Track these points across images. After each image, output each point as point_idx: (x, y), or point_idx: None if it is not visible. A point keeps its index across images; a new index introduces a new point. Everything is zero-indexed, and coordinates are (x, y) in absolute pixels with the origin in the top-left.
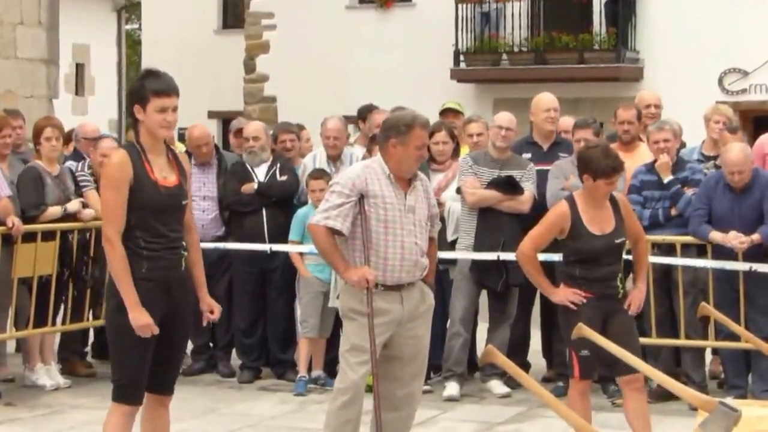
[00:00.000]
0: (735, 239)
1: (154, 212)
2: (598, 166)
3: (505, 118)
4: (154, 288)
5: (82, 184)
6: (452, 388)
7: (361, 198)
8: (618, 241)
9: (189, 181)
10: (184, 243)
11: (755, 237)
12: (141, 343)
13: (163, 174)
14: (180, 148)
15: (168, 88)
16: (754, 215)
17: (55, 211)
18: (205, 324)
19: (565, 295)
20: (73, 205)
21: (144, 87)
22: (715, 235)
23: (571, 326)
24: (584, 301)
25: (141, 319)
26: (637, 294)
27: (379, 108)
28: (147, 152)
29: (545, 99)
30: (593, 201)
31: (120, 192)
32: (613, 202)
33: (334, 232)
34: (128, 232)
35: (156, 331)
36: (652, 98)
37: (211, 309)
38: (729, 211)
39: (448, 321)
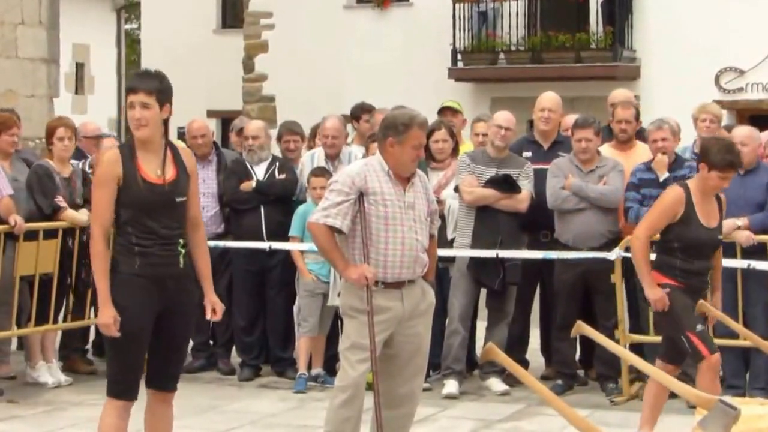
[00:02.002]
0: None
1: (143, 210)
2: (716, 157)
3: (504, 117)
4: (147, 284)
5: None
6: (451, 385)
7: (361, 196)
8: (720, 237)
9: (194, 179)
10: (181, 240)
11: (739, 222)
12: (134, 339)
13: (156, 171)
14: (180, 146)
15: (135, 85)
16: (759, 199)
17: (81, 217)
18: (209, 317)
19: (660, 298)
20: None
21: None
22: None
23: (667, 316)
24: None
25: (103, 317)
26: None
27: (372, 107)
28: (138, 149)
29: (542, 98)
30: (703, 191)
31: (106, 190)
32: (718, 200)
33: (333, 230)
34: (120, 228)
35: (115, 333)
36: (619, 97)
37: (213, 308)
38: (735, 194)
39: (447, 319)
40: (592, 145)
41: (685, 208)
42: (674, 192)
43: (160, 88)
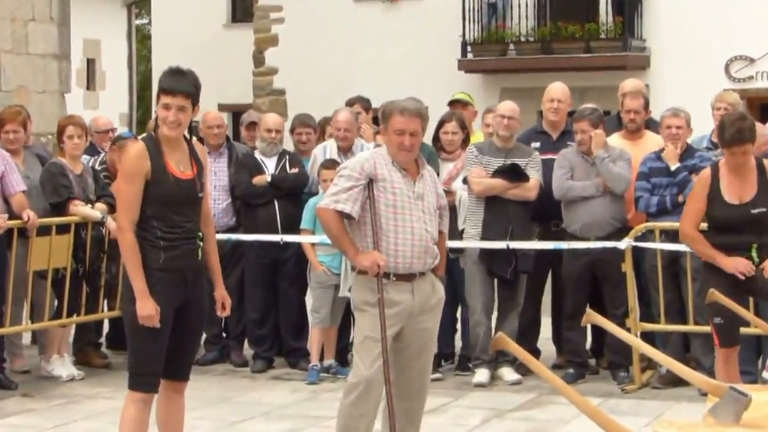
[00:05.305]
0: None
1: (170, 203)
2: (721, 135)
3: (506, 107)
4: (171, 278)
5: (106, 181)
6: (482, 374)
7: (370, 182)
8: (756, 211)
9: (206, 175)
10: (200, 234)
11: None
12: (155, 332)
13: (180, 167)
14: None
15: (172, 87)
16: None
17: (94, 214)
18: (219, 313)
19: (735, 265)
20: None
21: (159, 82)
22: None
23: (705, 295)
24: (752, 272)
25: (145, 309)
26: None
27: (368, 100)
28: (164, 145)
29: (550, 89)
30: (731, 169)
31: (134, 183)
32: (762, 169)
33: (343, 217)
34: (145, 222)
35: (157, 324)
36: (629, 86)
37: (223, 302)
38: None
39: (468, 310)
40: (587, 137)
41: (710, 188)
42: (700, 175)
43: (195, 92)
